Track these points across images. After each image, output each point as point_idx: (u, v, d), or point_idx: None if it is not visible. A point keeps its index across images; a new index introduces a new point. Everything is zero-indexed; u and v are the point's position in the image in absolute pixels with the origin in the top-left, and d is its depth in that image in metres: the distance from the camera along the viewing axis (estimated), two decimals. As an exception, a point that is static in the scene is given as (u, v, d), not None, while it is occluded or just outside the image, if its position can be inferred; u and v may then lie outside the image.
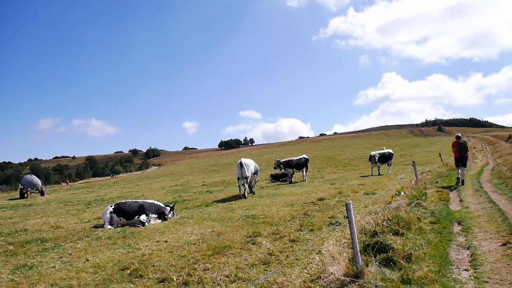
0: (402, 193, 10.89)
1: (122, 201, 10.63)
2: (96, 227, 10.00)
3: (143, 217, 9.85)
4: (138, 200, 10.52)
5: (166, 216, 10.34)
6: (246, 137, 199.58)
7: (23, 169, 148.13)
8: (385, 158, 20.90)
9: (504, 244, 5.57)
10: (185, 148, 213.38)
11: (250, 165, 14.49)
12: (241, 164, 14.14)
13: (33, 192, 32.10)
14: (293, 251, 6.21)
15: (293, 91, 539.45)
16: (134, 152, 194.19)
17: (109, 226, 9.75)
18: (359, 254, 4.41)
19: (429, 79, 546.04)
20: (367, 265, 4.67)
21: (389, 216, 6.73)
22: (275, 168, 20.21)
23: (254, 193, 15.15)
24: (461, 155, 14.14)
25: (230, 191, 17.65)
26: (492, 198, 9.80)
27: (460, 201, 9.99)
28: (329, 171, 27.64)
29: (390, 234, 5.80)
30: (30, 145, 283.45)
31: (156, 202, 10.56)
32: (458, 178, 13.87)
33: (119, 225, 9.92)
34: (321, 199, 11.63)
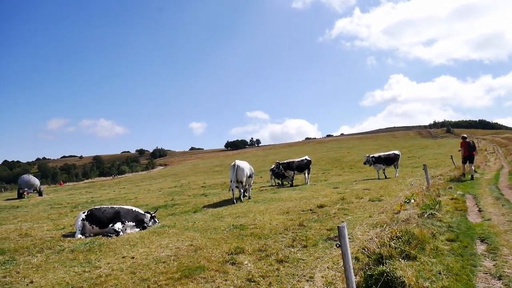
0: (412, 200, 9.64)
1: (96, 207, 9.54)
2: (66, 236, 8.91)
3: (118, 226, 8.73)
4: (115, 206, 9.40)
5: (145, 224, 9.21)
6: (252, 138, 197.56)
7: (30, 168, 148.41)
8: (390, 160, 19.53)
9: (547, 275, 4.34)
10: (192, 148, 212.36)
11: (245, 167, 13.30)
12: (234, 166, 12.98)
13: (30, 192, 31.32)
14: (278, 276, 5.03)
15: (300, 92, 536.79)
16: (141, 152, 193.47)
17: (80, 236, 8.64)
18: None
19: (437, 80, 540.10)
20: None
21: (397, 232, 5.51)
22: (275, 170, 19.06)
23: (249, 198, 13.96)
24: (470, 153, 15.68)
25: (226, 194, 16.48)
26: (517, 208, 8.50)
27: (480, 211, 8.70)
28: (333, 173, 26.38)
29: (400, 258, 4.59)
30: (39, 145, 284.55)
31: (134, 209, 9.43)
32: (463, 174, 15.43)
33: (92, 234, 8.82)
34: (321, 206, 10.42)
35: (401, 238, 5.24)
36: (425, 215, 7.51)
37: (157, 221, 9.73)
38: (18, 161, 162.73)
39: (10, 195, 34.97)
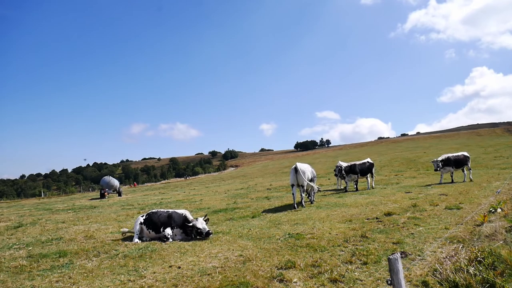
0: (499, 210, 8.25)
1: (154, 210, 9.54)
2: (125, 239, 9.07)
3: (167, 231, 8.63)
4: (169, 210, 9.28)
5: (194, 232, 8.92)
6: (322, 138, 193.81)
7: (116, 170, 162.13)
8: (459, 162, 17.17)
9: None
10: (262, 150, 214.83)
11: (306, 171, 12.63)
12: (295, 169, 12.37)
13: (110, 193, 33.84)
14: (329, 299, 4.38)
15: (372, 90, 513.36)
16: (213, 153, 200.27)
17: (137, 240, 8.69)
18: None
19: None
20: None
21: (478, 253, 4.51)
22: (336, 175, 17.95)
23: (312, 202, 13.26)
24: None
25: (289, 198, 15.95)
26: None
27: None
28: (407, 175, 24.38)
29: (480, 289, 3.67)
30: (123, 148, 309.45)
31: (184, 214, 9.14)
32: None
33: (148, 239, 8.85)
34: (388, 214, 9.42)
35: (481, 262, 4.27)
36: (516, 230, 6.25)
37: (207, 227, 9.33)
38: (105, 163, 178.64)
39: (95, 195, 38.09)
